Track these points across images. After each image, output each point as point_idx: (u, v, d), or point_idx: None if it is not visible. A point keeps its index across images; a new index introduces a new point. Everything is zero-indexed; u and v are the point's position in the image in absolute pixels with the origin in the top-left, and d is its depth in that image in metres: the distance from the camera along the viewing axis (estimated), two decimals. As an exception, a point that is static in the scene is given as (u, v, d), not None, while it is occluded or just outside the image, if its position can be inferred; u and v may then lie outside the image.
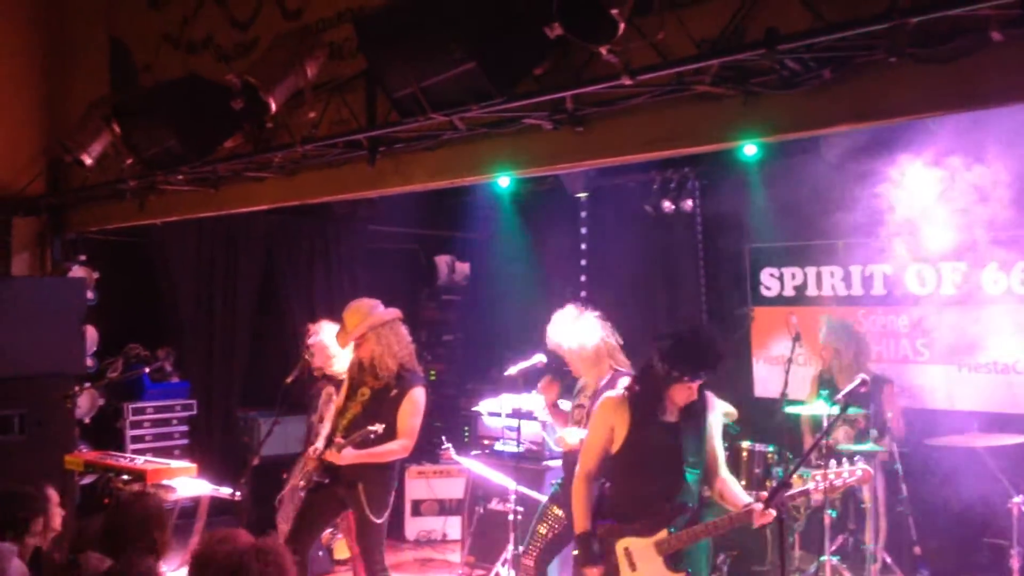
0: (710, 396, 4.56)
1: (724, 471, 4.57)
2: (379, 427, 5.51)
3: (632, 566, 4.34)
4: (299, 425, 7.88)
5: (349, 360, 6.11)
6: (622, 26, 3.65)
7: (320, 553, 7.30)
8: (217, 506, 6.57)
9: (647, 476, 4.40)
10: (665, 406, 4.44)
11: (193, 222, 7.98)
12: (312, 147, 5.43)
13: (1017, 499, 5.79)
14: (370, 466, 5.67)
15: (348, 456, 5.56)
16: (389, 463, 5.78)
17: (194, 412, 8.62)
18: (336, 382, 6.29)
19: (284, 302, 9.29)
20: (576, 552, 4.56)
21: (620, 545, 4.37)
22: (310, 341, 6.47)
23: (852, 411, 5.99)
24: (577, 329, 5.49)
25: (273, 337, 9.24)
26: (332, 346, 6.34)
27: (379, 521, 5.72)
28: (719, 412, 4.62)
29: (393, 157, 5.49)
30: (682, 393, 4.40)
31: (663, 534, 4.31)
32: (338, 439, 5.62)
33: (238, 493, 6.17)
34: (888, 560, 6.32)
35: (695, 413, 4.47)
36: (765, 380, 8.07)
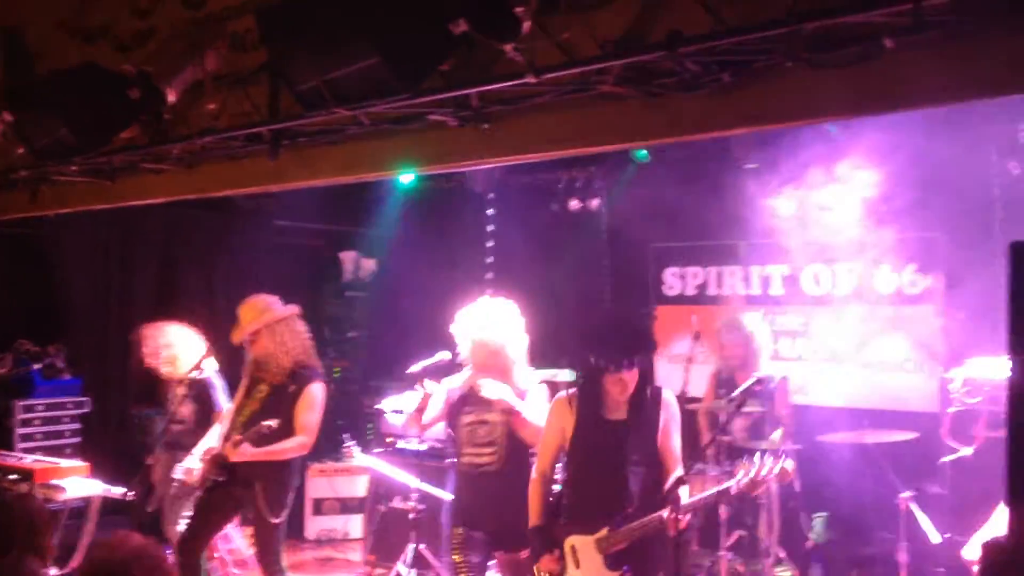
0: (664, 391, 4.49)
1: (677, 470, 4.40)
2: (273, 422, 5.44)
3: (576, 563, 4.35)
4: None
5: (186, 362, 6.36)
6: (527, 24, 3.67)
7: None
8: (111, 506, 6.40)
9: (588, 475, 4.43)
10: (606, 402, 4.41)
11: (88, 214, 7.75)
12: (212, 139, 5.32)
13: (904, 494, 5.98)
14: (268, 465, 5.58)
15: (245, 453, 5.48)
16: (287, 461, 5.70)
17: (87, 410, 8.38)
18: (182, 383, 6.43)
19: (184, 297, 9.08)
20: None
21: (568, 543, 4.39)
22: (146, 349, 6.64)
23: (748, 407, 6.10)
24: (516, 322, 5.06)
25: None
26: (173, 347, 6.58)
27: (277, 521, 5.63)
28: (674, 408, 4.49)
29: (296, 151, 5.41)
30: (615, 385, 4.32)
31: (603, 532, 4.30)
32: (235, 436, 5.53)
33: (131, 493, 6.06)
34: (782, 555, 6.47)
35: (644, 409, 4.39)
36: (666, 378, 8.11)
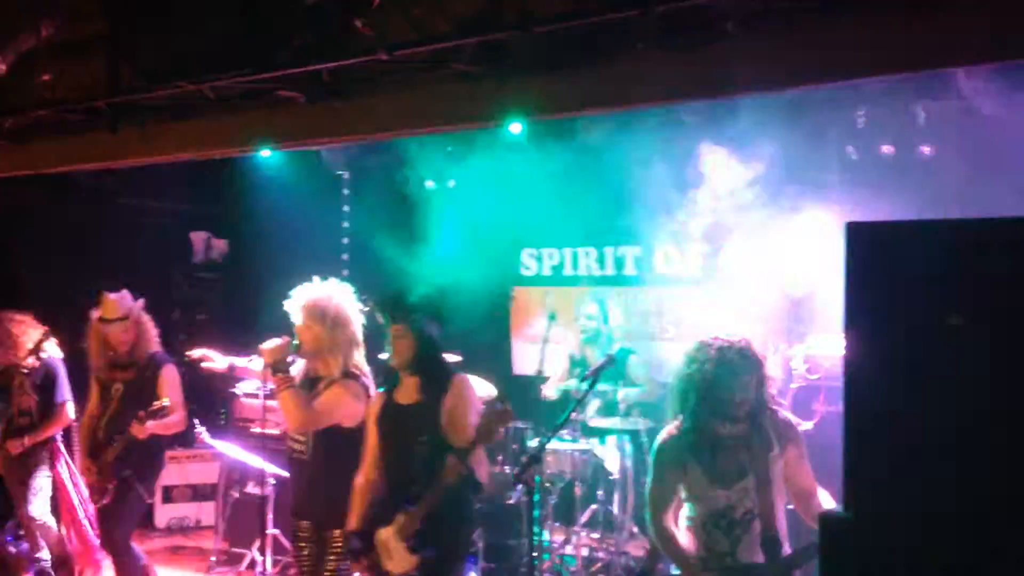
0: (459, 377, 4.34)
1: (477, 452, 4.19)
2: (165, 400, 5.53)
3: (388, 555, 4.22)
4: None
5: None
6: (377, -1, 3.62)
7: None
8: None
9: (385, 463, 4.34)
10: (400, 388, 4.34)
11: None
12: (47, 113, 5.08)
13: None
14: (143, 449, 5.62)
15: (147, 429, 5.51)
16: (160, 444, 5.82)
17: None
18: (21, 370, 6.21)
19: (19, 283, 8.60)
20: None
21: (378, 536, 4.24)
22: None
23: (601, 385, 6.19)
24: (348, 304, 4.70)
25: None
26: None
27: (150, 501, 5.94)
28: (466, 391, 4.33)
29: (139, 127, 5.21)
30: (394, 341, 4.25)
31: (400, 519, 4.18)
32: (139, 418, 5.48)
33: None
34: (635, 529, 6.61)
35: (433, 391, 4.27)
36: (523, 358, 8.26)
